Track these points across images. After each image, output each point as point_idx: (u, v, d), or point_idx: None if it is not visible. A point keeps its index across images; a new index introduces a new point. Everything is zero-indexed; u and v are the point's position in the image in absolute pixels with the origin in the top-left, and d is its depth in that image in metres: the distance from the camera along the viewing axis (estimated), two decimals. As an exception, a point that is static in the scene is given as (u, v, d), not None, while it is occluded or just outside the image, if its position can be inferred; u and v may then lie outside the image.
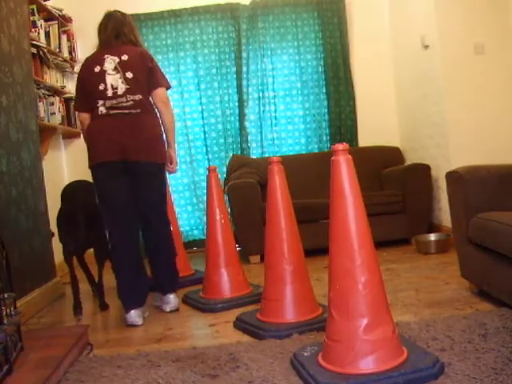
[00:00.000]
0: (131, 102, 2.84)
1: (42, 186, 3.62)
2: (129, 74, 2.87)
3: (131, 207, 2.89)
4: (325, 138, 5.18)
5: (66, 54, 4.76)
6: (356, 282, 1.80)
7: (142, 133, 2.82)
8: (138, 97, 2.85)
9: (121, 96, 2.84)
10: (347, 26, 5.12)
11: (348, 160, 1.84)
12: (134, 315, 2.81)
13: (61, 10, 4.71)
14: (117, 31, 2.97)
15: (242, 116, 5.08)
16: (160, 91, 2.92)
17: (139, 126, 2.83)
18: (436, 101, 4.28)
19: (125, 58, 2.90)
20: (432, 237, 4.10)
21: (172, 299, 3.05)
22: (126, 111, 2.83)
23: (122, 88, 2.85)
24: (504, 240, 2.30)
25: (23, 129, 3.37)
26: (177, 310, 3.04)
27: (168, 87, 2.99)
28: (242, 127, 5.09)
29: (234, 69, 5.09)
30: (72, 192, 3.36)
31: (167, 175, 3.09)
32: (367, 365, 1.77)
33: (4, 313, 2.03)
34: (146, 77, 2.90)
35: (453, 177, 2.75)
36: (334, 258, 1.86)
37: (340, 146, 1.84)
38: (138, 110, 2.84)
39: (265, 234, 2.63)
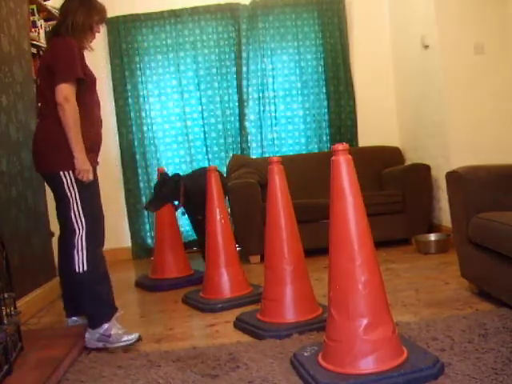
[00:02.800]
0: (38, 112, 2.70)
1: (42, 186, 3.61)
2: (38, 81, 2.68)
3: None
4: (325, 138, 5.17)
5: (65, 54, 4.74)
6: (356, 282, 1.80)
7: (34, 142, 2.62)
8: (39, 105, 2.65)
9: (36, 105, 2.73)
10: (347, 25, 5.12)
11: (348, 160, 1.84)
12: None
13: (61, 10, 4.70)
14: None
15: (242, 116, 5.08)
16: (56, 90, 2.44)
17: (35, 137, 2.63)
18: (436, 101, 4.28)
19: (40, 61, 2.77)
20: (432, 237, 4.10)
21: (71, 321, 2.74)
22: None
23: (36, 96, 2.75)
24: (504, 240, 2.30)
25: (23, 129, 3.37)
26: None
27: (66, 80, 2.44)
28: (242, 127, 5.09)
29: (233, 69, 5.09)
30: None
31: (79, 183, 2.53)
32: (367, 365, 1.77)
33: (4, 313, 2.03)
34: (45, 78, 2.54)
35: (453, 177, 2.75)
36: (334, 258, 1.86)
37: (340, 146, 1.84)
38: (38, 120, 2.71)
39: (265, 234, 2.63)
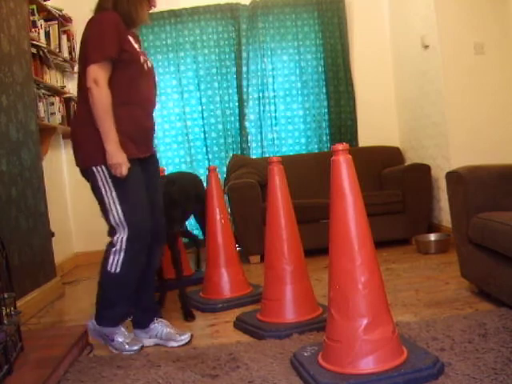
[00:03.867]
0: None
1: (42, 186, 3.62)
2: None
3: None
4: (325, 138, 5.18)
5: (65, 54, 4.76)
6: (356, 282, 1.80)
7: (70, 134, 2.41)
8: (77, 91, 2.36)
9: None
10: (347, 25, 5.12)
11: (348, 160, 1.84)
12: None
13: (61, 10, 4.70)
14: None
15: (241, 116, 5.08)
16: (87, 73, 2.17)
17: (70, 127, 2.45)
18: (436, 101, 4.28)
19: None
20: (432, 237, 4.09)
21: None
22: None
23: None
24: (504, 240, 2.30)
25: (23, 129, 3.37)
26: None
27: (95, 60, 2.16)
28: (242, 127, 5.09)
29: (233, 69, 5.09)
30: None
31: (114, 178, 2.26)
32: (367, 365, 1.77)
33: (4, 313, 2.03)
34: (80, 60, 2.28)
35: (453, 177, 2.75)
36: (334, 258, 1.86)
37: (340, 146, 1.84)
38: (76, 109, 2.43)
39: (265, 234, 2.63)
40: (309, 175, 4.75)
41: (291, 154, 5.12)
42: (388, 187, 4.63)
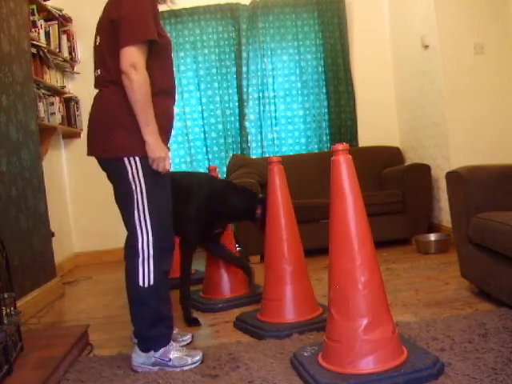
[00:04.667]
0: (96, 81, 2.13)
1: (42, 186, 3.62)
2: (98, 39, 2.10)
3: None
4: (325, 138, 5.18)
5: (65, 54, 4.76)
6: (356, 282, 1.80)
7: (90, 118, 2.11)
8: (98, 72, 2.09)
9: (95, 72, 2.14)
10: (347, 26, 5.12)
11: (348, 160, 1.84)
12: None
13: (61, 10, 4.70)
14: None
15: (241, 116, 5.08)
16: (121, 55, 1.92)
17: (92, 110, 2.12)
18: (436, 101, 4.28)
19: (102, 14, 2.09)
20: (432, 237, 4.09)
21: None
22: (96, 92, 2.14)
23: (95, 60, 2.14)
24: (504, 240, 2.30)
25: (23, 129, 3.37)
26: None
27: (135, 42, 1.92)
28: (242, 127, 5.09)
29: (233, 69, 5.09)
30: None
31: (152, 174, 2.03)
32: (367, 365, 1.77)
33: (4, 313, 2.03)
34: (108, 36, 2.01)
35: (453, 177, 2.75)
36: (334, 258, 1.86)
37: (340, 146, 1.84)
38: (97, 91, 2.12)
39: (265, 234, 2.63)
40: (309, 175, 4.75)
41: (291, 153, 5.12)
42: (388, 187, 4.63)
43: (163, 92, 2.06)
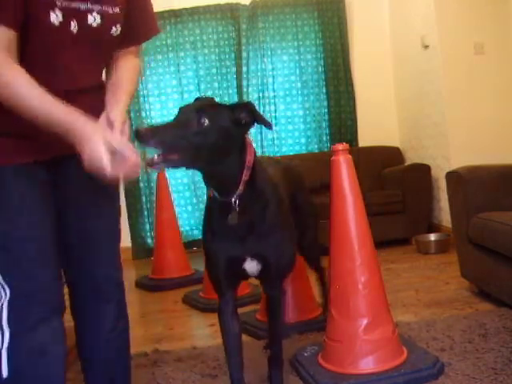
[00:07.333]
0: None
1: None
2: None
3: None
4: (325, 138, 5.17)
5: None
6: (356, 282, 1.80)
7: None
8: None
9: None
10: (347, 26, 5.12)
11: (348, 160, 1.84)
12: None
13: (61, 10, 4.70)
14: None
15: (242, 116, 5.08)
16: None
17: None
18: (436, 101, 4.28)
19: None
20: (432, 237, 4.09)
21: None
22: None
23: None
24: (504, 240, 2.30)
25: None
26: None
27: None
28: (242, 127, 5.09)
29: (233, 69, 5.09)
30: None
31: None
32: (367, 365, 1.77)
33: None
34: None
35: (453, 177, 2.75)
36: (334, 258, 1.86)
37: (340, 146, 1.84)
38: None
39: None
40: (308, 175, 4.74)
41: (291, 153, 5.11)
42: (388, 187, 4.63)
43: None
